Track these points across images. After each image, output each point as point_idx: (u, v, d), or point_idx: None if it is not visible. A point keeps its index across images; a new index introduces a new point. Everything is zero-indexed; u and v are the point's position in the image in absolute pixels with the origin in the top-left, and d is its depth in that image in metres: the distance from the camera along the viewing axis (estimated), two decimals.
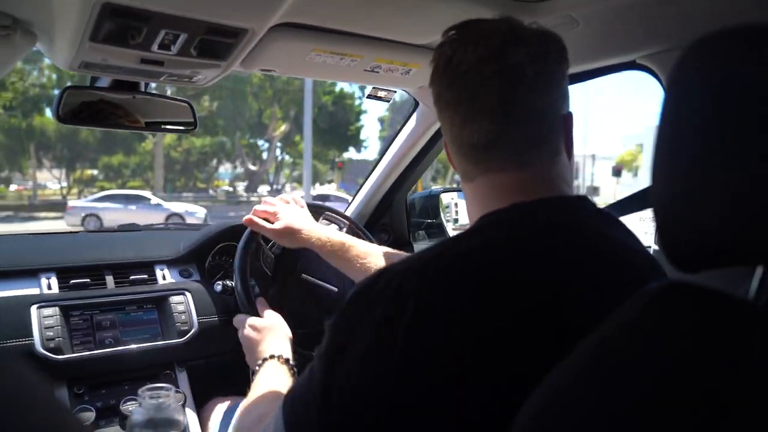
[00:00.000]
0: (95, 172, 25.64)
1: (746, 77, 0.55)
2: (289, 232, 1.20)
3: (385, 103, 1.60)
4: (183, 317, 1.37)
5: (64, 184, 25.95)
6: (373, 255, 1.19)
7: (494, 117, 0.67)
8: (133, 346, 1.28)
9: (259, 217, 1.24)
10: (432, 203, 2.05)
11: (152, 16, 0.82)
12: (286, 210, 1.25)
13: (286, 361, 1.05)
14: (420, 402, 0.56)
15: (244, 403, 0.93)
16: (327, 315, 1.41)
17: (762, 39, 0.53)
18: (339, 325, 0.63)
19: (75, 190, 25.15)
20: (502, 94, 0.66)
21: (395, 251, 1.24)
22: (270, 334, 1.13)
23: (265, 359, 1.05)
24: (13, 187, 25.73)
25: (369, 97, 1.56)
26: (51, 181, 27.78)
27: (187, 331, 1.35)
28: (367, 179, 1.87)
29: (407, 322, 0.57)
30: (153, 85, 1.21)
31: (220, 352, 1.41)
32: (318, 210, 1.41)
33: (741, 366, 0.43)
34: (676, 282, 0.50)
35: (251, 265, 1.28)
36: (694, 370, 0.43)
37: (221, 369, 1.40)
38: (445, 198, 1.94)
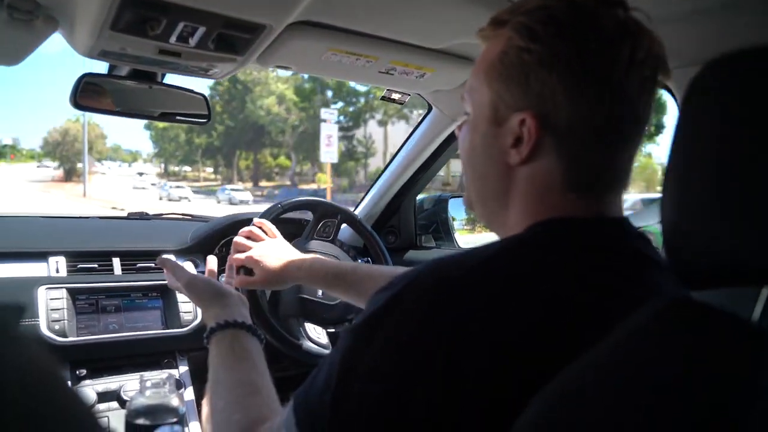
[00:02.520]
0: None
1: (763, 98, 0.55)
2: (275, 278, 1.09)
3: (399, 105, 1.61)
4: (187, 307, 1.38)
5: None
6: (371, 280, 1.07)
7: None
8: (137, 332, 1.29)
9: (240, 267, 1.12)
10: (440, 207, 2.05)
11: (172, 8, 0.84)
12: (264, 253, 1.11)
13: (254, 331, 0.89)
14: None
15: (221, 385, 0.80)
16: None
17: None
18: (356, 343, 0.57)
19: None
20: None
21: (392, 271, 1.11)
22: (228, 297, 0.96)
23: (229, 323, 0.88)
24: None
25: (383, 98, 1.57)
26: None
27: (191, 321, 1.37)
28: (376, 180, 1.88)
29: (443, 358, 0.52)
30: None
31: None
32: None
33: (737, 386, 0.43)
34: (680, 299, 0.50)
35: None
36: (689, 388, 0.43)
37: None
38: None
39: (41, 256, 1.32)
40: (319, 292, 1.39)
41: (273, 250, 1.12)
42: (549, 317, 0.54)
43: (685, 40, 0.90)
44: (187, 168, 55.77)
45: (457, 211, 2.12)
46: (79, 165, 51.72)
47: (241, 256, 1.11)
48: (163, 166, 59.64)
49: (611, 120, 0.60)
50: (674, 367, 0.45)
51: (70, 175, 52.83)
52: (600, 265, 0.59)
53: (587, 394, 0.47)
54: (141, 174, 58.30)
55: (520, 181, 0.64)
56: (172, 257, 1.11)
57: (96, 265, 1.36)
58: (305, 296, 1.38)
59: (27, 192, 33.55)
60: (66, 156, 53.87)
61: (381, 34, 1.11)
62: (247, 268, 1.11)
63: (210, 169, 52.54)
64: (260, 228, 1.17)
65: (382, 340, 0.55)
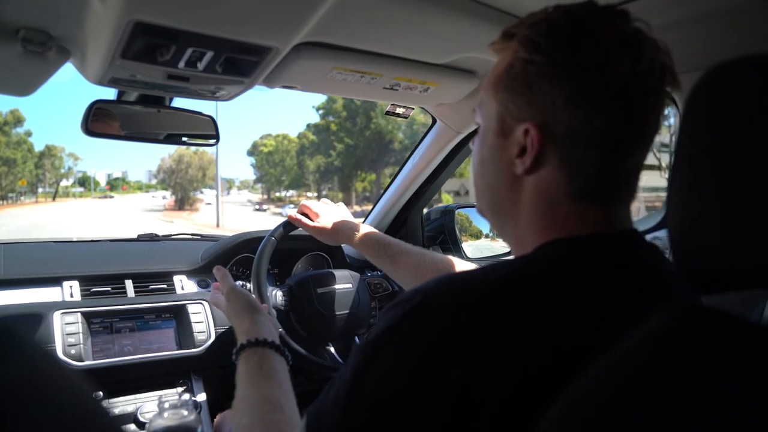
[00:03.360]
0: None
1: (766, 104, 0.55)
2: (330, 230, 1.25)
3: (404, 119, 1.62)
4: (200, 327, 1.39)
5: None
6: (422, 260, 1.17)
7: None
8: (152, 354, 1.30)
9: (301, 212, 1.30)
10: (447, 219, 2.06)
11: (181, 35, 0.85)
12: (327, 210, 1.29)
13: (282, 351, 0.94)
14: None
15: (247, 402, 0.83)
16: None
17: None
18: (367, 360, 0.57)
19: None
20: None
21: (444, 257, 1.19)
22: (260, 314, 1.03)
23: (259, 341, 0.92)
24: None
25: (387, 113, 1.58)
26: None
27: (204, 341, 1.38)
28: (384, 193, 1.89)
29: (457, 380, 0.52)
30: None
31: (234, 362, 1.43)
32: None
33: (757, 391, 0.42)
34: (693, 304, 0.50)
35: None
36: (706, 395, 0.43)
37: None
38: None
39: (55, 281, 1.34)
40: (335, 311, 1.40)
41: (335, 210, 1.30)
42: (566, 338, 0.54)
43: (687, 46, 0.91)
44: (293, 192, 55.82)
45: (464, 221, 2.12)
46: (192, 193, 56.41)
47: (310, 203, 1.30)
48: (265, 191, 61.78)
49: (612, 128, 0.60)
50: (690, 374, 0.45)
51: (183, 203, 55.15)
52: (612, 283, 0.59)
53: (606, 399, 0.47)
54: (254, 202, 59.56)
55: (526, 192, 0.66)
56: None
57: (109, 288, 1.37)
58: (322, 312, 1.39)
59: (148, 221, 33.30)
60: (180, 184, 56.47)
61: (385, 52, 1.13)
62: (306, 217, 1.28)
63: (324, 192, 50.73)
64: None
65: (393, 357, 0.55)
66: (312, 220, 1.29)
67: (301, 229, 1.32)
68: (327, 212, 1.29)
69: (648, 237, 0.73)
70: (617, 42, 0.60)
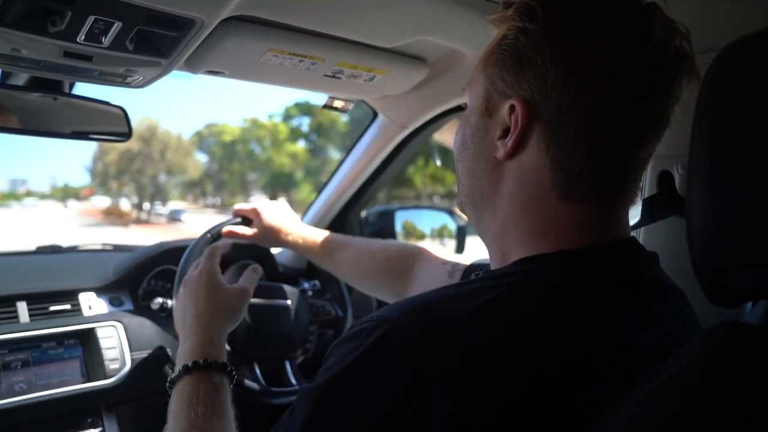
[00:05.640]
0: None
1: None
2: (270, 233, 1.17)
3: (342, 113, 1.49)
4: (113, 353, 1.19)
5: None
6: (366, 256, 1.12)
7: None
8: (51, 391, 1.08)
9: (240, 215, 1.19)
10: (387, 221, 1.96)
11: None
12: (266, 210, 1.19)
13: (222, 368, 0.80)
14: None
15: None
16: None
17: None
18: (318, 410, 0.48)
19: None
20: None
21: (383, 244, 1.15)
22: (201, 326, 0.87)
23: (188, 368, 0.78)
24: None
25: (325, 107, 1.44)
26: None
27: (118, 370, 1.18)
28: (319, 194, 1.75)
29: (436, 424, 0.44)
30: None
31: (157, 392, 1.23)
32: None
33: None
34: (731, 324, 0.45)
35: None
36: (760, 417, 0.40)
37: (159, 412, 1.22)
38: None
39: None
40: (268, 327, 1.24)
41: (277, 210, 1.19)
42: (553, 370, 0.46)
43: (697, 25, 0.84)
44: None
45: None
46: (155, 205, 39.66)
47: (246, 206, 1.20)
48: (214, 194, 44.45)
49: (609, 114, 0.52)
50: (741, 398, 0.41)
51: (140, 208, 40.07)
52: (613, 308, 0.51)
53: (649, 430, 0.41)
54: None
55: (507, 180, 0.57)
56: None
57: None
58: (252, 326, 1.23)
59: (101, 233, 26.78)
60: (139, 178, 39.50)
61: (328, 32, 0.99)
62: (246, 221, 1.18)
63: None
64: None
65: (353, 406, 0.46)
66: (250, 225, 1.17)
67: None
68: (267, 211, 1.19)
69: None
70: (623, 12, 0.51)
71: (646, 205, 1.00)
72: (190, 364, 0.78)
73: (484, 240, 0.64)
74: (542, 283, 0.51)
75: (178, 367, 0.80)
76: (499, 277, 0.53)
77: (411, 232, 2.10)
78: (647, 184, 1.05)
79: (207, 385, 0.76)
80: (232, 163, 38.73)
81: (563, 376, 0.46)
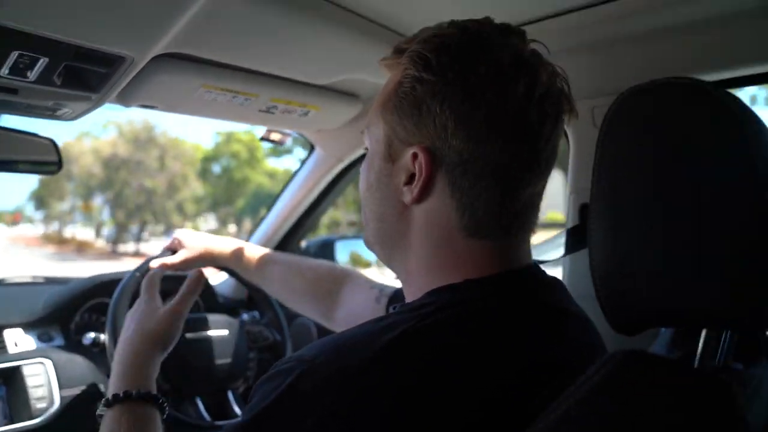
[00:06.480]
0: None
1: (675, 129, 0.54)
2: (198, 255, 1.16)
3: (279, 146, 1.51)
4: (40, 392, 1.14)
5: None
6: (296, 273, 1.11)
7: None
8: None
9: (165, 249, 1.18)
10: (327, 252, 1.98)
11: (1, 32, 0.68)
12: (187, 237, 1.18)
13: (149, 400, 0.78)
14: None
15: None
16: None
17: (693, 93, 0.52)
18: (246, 428, 0.49)
19: None
20: None
21: (313, 263, 1.16)
22: (128, 353, 0.85)
23: (108, 402, 0.77)
24: None
25: (262, 139, 1.47)
26: None
27: (45, 409, 1.13)
28: (258, 226, 1.75)
29: None
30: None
31: (89, 431, 1.19)
32: None
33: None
34: (631, 352, 0.48)
35: None
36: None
37: None
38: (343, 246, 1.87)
39: None
40: (207, 360, 1.23)
41: (199, 234, 1.19)
42: (470, 396, 0.49)
43: (582, 74, 0.91)
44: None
45: (344, 253, 2.06)
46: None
47: (169, 241, 1.18)
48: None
49: (506, 156, 0.56)
50: (645, 428, 0.44)
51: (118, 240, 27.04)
52: (516, 329, 0.55)
53: None
54: None
55: (416, 223, 0.60)
56: None
57: None
58: (190, 361, 1.21)
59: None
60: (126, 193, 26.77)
61: (261, 69, 1.02)
62: (172, 252, 1.16)
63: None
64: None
65: None
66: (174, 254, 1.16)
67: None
68: (189, 237, 1.18)
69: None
70: (511, 63, 0.56)
71: (569, 235, 1.07)
72: (110, 398, 0.77)
73: (397, 276, 0.67)
74: (449, 313, 0.53)
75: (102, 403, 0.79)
76: (411, 310, 0.55)
77: (357, 261, 2.11)
78: (570, 216, 1.12)
79: (130, 418, 0.75)
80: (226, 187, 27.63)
81: (467, 400, 0.48)
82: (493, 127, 0.55)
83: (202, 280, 1.00)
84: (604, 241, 0.56)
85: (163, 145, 26.92)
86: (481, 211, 0.57)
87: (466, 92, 0.55)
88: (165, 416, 0.80)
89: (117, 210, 27.47)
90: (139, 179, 26.23)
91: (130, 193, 26.78)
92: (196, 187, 27.33)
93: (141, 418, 0.76)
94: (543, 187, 0.60)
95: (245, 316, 1.48)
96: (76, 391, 1.19)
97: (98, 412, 0.78)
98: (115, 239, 27.67)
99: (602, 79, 0.94)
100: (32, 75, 0.79)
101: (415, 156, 0.57)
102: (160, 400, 0.80)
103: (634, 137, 0.56)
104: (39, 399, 1.13)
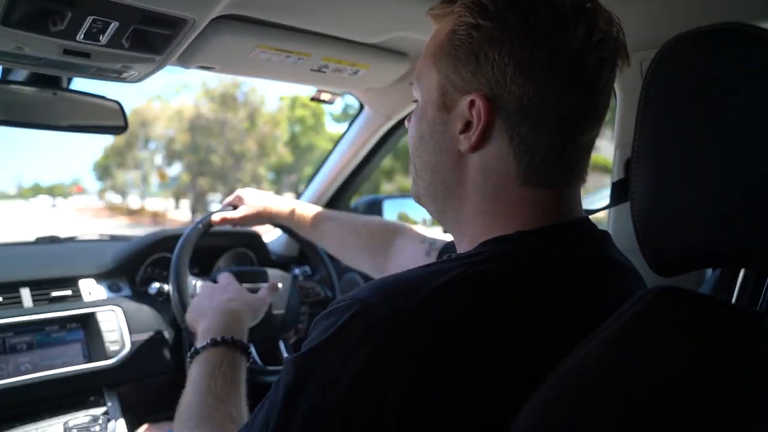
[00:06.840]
0: None
1: (722, 77, 0.53)
2: (257, 212, 1.23)
3: (330, 105, 1.54)
4: (113, 336, 1.24)
5: None
6: (350, 229, 1.18)
7: None
8: (54, 371, 1.14)
9: (227, 205, 1.26)
10: (375, 210, 2.01)
11: (78, 0, 0.73)
12: (249, 194, 1.26)
13: (244, 349, 0.91)
14: None
15: (184, 410, 0.78)
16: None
17: (737, 38, 0.52)
18: (297, 378, 0.52)
19: None
20: None
21: (367, 220, 1.22)
22: (230, 310, 0.99)
23: (215, 341, 0.89)
24: None
25: (313, 99, 1.50)
26: None
27: (118, 351, 1.23)
28: (308, 185, 1.80)
29: (398, 396, 0.47)
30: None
31: (155, 373, 1.29)
32: None
33: (737, 373, 0.44)
34: (665, 288, 0.49)
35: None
36: (692, 372, 0.44)
37: (157, 391, 1.29)
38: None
39: None
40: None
41: (259, 193, 1.27)
42: (513, 343, 0.50)
43: (633, 24, 0.90)
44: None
45: (391, 212, 2.09)
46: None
47: (231, 196, 1.27)
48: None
49: (566, 103, 0.56)
50: (673, 359, 0.45)
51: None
52: (568, 282, 0.55)
53: (585, 393, 0.46)
54: None
55: (471, 171, 0.60)
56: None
57: (0, 299, 1.20)
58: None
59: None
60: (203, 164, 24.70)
61: (313, 29, 1.04)
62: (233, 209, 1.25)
63: None
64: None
65: (330, 372, 0.50)
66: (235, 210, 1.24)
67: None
68: (250, 195, 1.26)
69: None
70: (571, 8, 0.55)
71: (614, 188, 1.07)
72: (218, 338, 0.89)
73: (447, 230, 0.67)
74: (499, 263, 0.54)
75: (200, 342, 0.90)
76: (462, 258, 0.57)
77: (405, 220, 2.15)
78: (615, 169, 1.12)
79: (229, 360, 0.86)
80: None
81: (510, 347, 0.50)
82: (553, 72, 0.55)
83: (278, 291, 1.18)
84: (645, 184, 0.57)
85: (252, 102, 23.94)
86: (539, 158, 0.57)
87: (527, 36, 0.54)
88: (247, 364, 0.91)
89: (199, 178, 24.86)
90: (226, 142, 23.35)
91: (215, 158, 24.17)
92: (284, 154, 24.07)
93: (236, 362, 0.87)
94: (597, 134, 0.60)
95: (297, 271, 1.55)
96: (145, 336, 1.29)
97: (197, 346, 0.89)
98: (195, 208, 25.36)
99: (652, 30, 0.92)
100: (104, 39, 0.84)
101: (472, 103, 0.57)
102: (249, 351, 0.91)
103: (680, 85, 0.55)
104: (113, 342, 1.24)
